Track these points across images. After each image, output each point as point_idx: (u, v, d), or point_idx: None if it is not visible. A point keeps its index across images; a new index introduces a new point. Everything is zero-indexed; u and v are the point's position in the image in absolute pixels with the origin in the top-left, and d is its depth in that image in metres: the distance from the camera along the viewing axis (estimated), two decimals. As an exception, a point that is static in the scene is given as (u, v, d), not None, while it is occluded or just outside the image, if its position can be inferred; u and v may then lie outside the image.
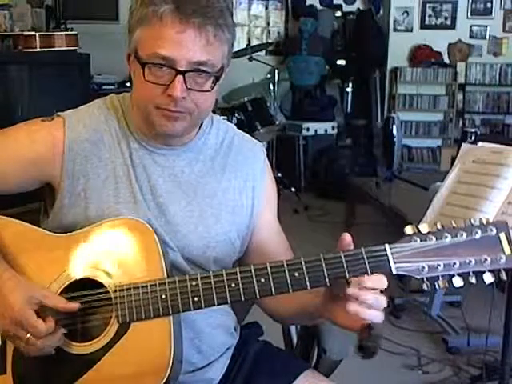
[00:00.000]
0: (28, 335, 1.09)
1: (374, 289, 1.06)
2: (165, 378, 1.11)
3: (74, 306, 1.13)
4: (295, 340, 1.62)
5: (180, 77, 1.14)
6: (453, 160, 1.97)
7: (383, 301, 1.07)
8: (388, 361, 2.92)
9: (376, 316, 1.07)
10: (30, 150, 1.24)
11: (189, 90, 1.15)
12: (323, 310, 1.16)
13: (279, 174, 5.66)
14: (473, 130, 3.35)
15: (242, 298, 1.12)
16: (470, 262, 1.07)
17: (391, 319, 3.34)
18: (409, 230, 1.09)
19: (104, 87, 5.58)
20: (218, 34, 1.15)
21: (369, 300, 1.05)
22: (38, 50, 3.65)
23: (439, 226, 1.09)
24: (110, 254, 1.17)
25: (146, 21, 1.15)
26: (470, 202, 1.80)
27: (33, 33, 3.73)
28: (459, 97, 6.94)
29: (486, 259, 1.07)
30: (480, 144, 1.93)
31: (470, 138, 3.13)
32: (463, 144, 1.97)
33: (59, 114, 1.28)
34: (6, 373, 1.15)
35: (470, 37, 6.96)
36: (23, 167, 1.24)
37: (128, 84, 5.65)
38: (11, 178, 1.24)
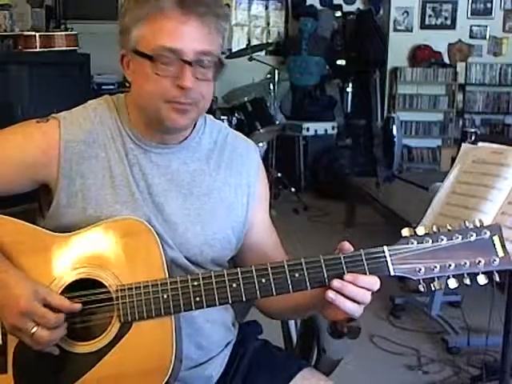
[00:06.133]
0: (35, 328, 1.08)
1: (365, 288, 1.10)
2: (167, 377, 1.12)
3: (77, 306, 1.13)
4: (295, 339, 1.62)
5: (189, 67, 1.17)
6: (453, 160, 1.97)
7: (368, 297, 1.11)
8: (388, 361, 2.92)
9: (356, 310, 1.11)
10: (26, 153, 1.23)
11: (196, 80, 1.18)
12: (313, 300, 1.18)
13: (279, 174, 5.65)
14: (473, 130, 3.36)
15: (244, 299, 1.13)
16: (465, 264, 1.10)
17: (391, 319, 3.34)
18: (406, 232, 1.12)
19: (104, 87, 5.57)
20: (217, 24, 1.20)
21: (352, 292, 1.09)
22: (38, 50, 3.66)
23: (435, 229, 1.12)
24: (110, 253, 1.17)
25: (145, 17, 1.17)
26: (469, 202, 1.80)
27: (33, 33, 3.74)
28: (459, 97, 6.94)
29: (480, 261, 1.10)
30: (480, 144, 1.93)
31: (470, 137, 3.14)
32: (463, 144, 1.97)
33: (54, 115, 1.28)
34: (6, 372, 1.15)
35: (470, 37, 6.96)
36: (19, 169, 1.24)
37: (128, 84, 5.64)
38: (7, 180, 1.24)
